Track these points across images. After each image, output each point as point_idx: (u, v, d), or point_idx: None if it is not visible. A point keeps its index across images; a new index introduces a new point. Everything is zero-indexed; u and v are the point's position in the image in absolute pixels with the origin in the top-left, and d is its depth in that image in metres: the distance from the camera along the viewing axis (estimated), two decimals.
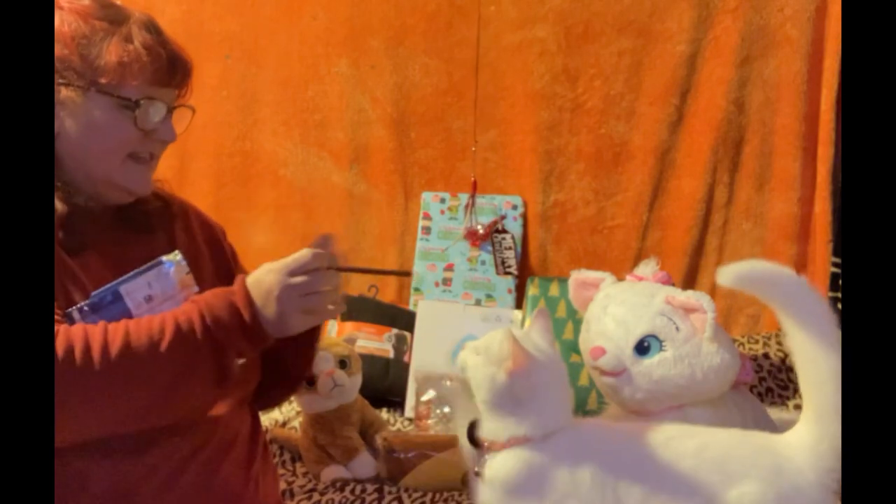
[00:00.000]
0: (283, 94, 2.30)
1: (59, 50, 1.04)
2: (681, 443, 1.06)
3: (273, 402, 1.44)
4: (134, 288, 1.04)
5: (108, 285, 1.03)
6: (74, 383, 0.91)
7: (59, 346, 0.90)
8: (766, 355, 2.01)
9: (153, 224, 1.19)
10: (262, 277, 1.03)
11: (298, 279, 1.03)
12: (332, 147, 2.31)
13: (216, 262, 1.26)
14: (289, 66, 2.29)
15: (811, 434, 1.02)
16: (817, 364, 0.99)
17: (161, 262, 1.07)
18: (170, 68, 1.10)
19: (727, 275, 1.02)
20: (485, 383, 1.04)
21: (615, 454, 1.07)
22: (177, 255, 1.09)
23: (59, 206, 1.04)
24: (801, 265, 2.14)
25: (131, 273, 1.05)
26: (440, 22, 2.20)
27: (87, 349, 0.91)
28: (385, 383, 2.02)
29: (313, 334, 1.26)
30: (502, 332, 1.04)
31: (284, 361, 1.26)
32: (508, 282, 2.20)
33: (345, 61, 2.26)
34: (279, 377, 1.27)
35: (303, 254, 1.04)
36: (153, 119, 1.09)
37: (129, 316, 1.02)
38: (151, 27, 1.09)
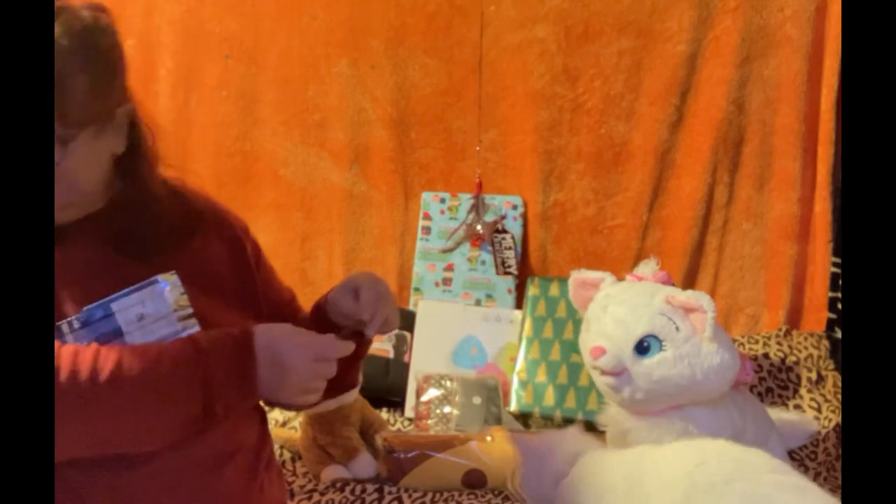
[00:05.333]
0: (283, 94, 2.30)
1: None
2: None
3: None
4: (126, 305, 1.01)
5: (100, 301, 1.01)
6: (58, 405, 0.88)
7: None
8: (766, 355, 2.01)
9: (163, 247, 1.10)
10: (285, 353, 1.01)
11: (320, 366, 1.03)
12: (332, 147, 2.31)
13: (239, 276, 1.20)
14: (289, 66, 2.28)
15: None
16: None
17: (156, 282, 1.04)
18: None
19: None
20: None
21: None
22: (172, 275, 1.06)
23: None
24: (801, 265, 2.14)
25: (125, 290, 1.02)
26: (440, 22, 2.20)
27: (75, 372, 0.89)
28: (385, 383, 2.02)
29: (363, 350, 1.26)
30: None
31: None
32: (508, 282, 2.19)
33: (345, 61, 2.25)
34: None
35: (334, 344, 1.04)
36: None
37: (120, 333, 1.00)
38: None
